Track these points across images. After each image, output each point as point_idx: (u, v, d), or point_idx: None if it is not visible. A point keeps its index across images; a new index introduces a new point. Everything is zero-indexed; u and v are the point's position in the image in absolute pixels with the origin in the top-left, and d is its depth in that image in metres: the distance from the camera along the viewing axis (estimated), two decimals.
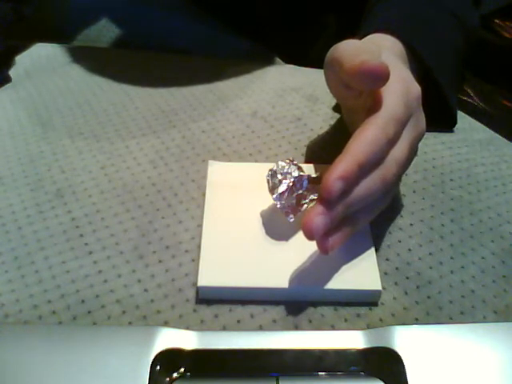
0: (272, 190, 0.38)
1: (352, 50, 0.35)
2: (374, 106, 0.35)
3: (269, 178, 0.38)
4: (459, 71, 0.51)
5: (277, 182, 0.37)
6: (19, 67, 0.57)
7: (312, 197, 0.37)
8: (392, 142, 0.34)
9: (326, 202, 0.32)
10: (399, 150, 0.35)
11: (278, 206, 0.37)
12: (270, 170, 0.38)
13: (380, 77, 0.33)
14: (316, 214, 0.32)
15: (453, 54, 0.49)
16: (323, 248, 0.33)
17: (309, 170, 0.41)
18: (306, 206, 0.37)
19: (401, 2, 0.49)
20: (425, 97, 0.38)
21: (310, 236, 0.32)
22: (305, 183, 0.37)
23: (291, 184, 0.37)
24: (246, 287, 0.35)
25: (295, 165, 0.38)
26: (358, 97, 0.38)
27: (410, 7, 0.49)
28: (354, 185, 0.33)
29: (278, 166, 0.38)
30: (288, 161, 0.38)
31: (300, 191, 0.37)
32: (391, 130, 0.34)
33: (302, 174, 0.37)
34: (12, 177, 0.44)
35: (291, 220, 0.37)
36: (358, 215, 0.35)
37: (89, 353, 0.31)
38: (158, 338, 0.31)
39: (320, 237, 0.33)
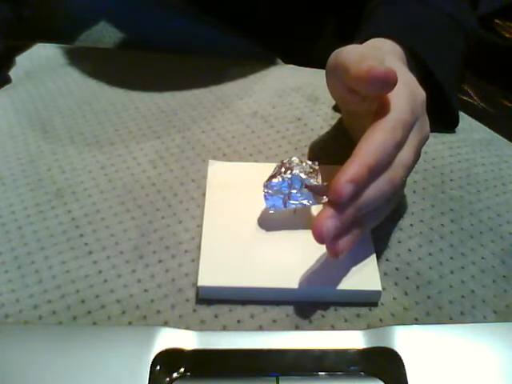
0: (268, 178, 0.38)
1: (356, 56, 0.36)
2: (382, 110, 0.35)
3: (276, 168, 0.38)
4: (460, 72, 0.51)
5: (277, 173, 0.37)
6: (19, 68, 0.57)
7: (304, 202, 0.37)
8: (399, 145, 0.35)
9: (336, 204, 0.32)
10: (406, 154, 0.35)
11: (262, 193, 0.37)
12: (281, 161, 0.38)
13: (388, 83, 0.34)
14: (326, 217, 0.32)
15: (453, 55, 0.50)
16: (333, 251, 0.33)
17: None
18: (294, 206, 0.37)
19: (400, 7, 0.50)
20: (427, 98, 0.38)
21: (320, 239, 0.32)
22: (299, 185, 0.37)
23: (286, 179, 0.37)
24: (246, 287, 0.35)
25: (310, 167, 0.37)
26: (361, 102, 0.38)
27: (409, 11, 0.49)
28: (363, 188, 0.33)
29: (288, 160, 0.38)
30: (310, 162, 0.38)
31: (294, 190, 0.37)
32: (399, 133, 0.34)
33: (302, 175, 0.37)
34: (12, 177, 0.44)
35: (270, 211, 0.37)
36: (365, 218, 0.35)
37: (89, 353, 0.31)
38: (157, 338, 0.31)
39: (330, 240, 0.33)
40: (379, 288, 0.35)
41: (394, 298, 0.36)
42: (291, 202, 0.37)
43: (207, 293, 0.35)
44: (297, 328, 0.34)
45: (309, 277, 0.35)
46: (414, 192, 0.43)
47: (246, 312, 0.35)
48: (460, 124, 0.49)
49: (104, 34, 0.63)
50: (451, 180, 0.44)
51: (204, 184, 0.42)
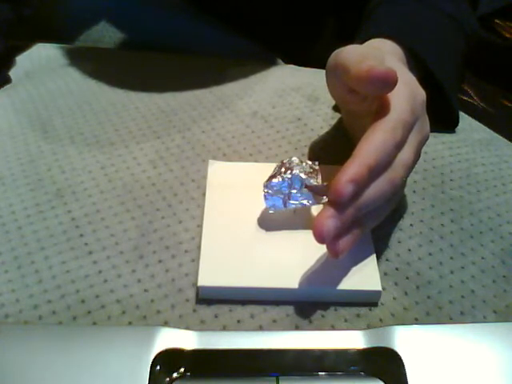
0: (268, 178, 0.38)
1: (357, 56, 0.36)
2: (382, 110, 0.35)
3: (276, 168, 0.38)
4: (460, 72, 0.51)
5: (277, 173, 0.37)
6: (19, 68, 0.57)
7: (304, 202, 0.37)
8: (399, 145, 0.35)
9: (337, 204, 0.33)
10: (406, 154, 0.35)
11: (262, 193, 0.37)
12: (281, 161, 0.38)
13: (388, 83, 0.34)
14: (327, 217, 0.32)
15: (453, 55, 0.50)
16: (334, 251, 0.33)
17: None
18: (294, 206, 0.37)
19: (400, 7, 0.50)
20: (427, 98, 0.38)
21: (320, 239, 0.32)
22: (299, 185, 0.37)
23: (286, 179, 0.37)
24: (246, 287, 0.35)
25: (310, 167, 0.37)
26: (361, 102, 0.38)
27: (409, 11, 0.49)
28: (364, 188, 0.33)
29: (288, 160, 0.38)
30: (310, 162, 0.38)
31: (294, 190, 0.37)
32: (399, 134, 0.34)
33: (302, 175, 0.37)
34: (12, 177, 0.44)
35: (270, 211, 0.38)
36: (366, 218, 0.35)
37: (89, 353, 0.31)
38: (157, 338, 0.31)
39: (330, 240, 0.33)
40: (379, 288, 0.35)
41: (394, 298, 0.36)
42: (291, 202, 0.37)
43: (207, 293, 0.35)
44: (297, 328, 0.34)
45: (309, 277, 0.35)
46: (414, 192, 0.43)
47: (245, 312, 0.35)
48: (460, 124, 0.49)
49: (104, 34, 0.63)
50: (451, 180, 0.44)
51: (204, 184, 0.42)
